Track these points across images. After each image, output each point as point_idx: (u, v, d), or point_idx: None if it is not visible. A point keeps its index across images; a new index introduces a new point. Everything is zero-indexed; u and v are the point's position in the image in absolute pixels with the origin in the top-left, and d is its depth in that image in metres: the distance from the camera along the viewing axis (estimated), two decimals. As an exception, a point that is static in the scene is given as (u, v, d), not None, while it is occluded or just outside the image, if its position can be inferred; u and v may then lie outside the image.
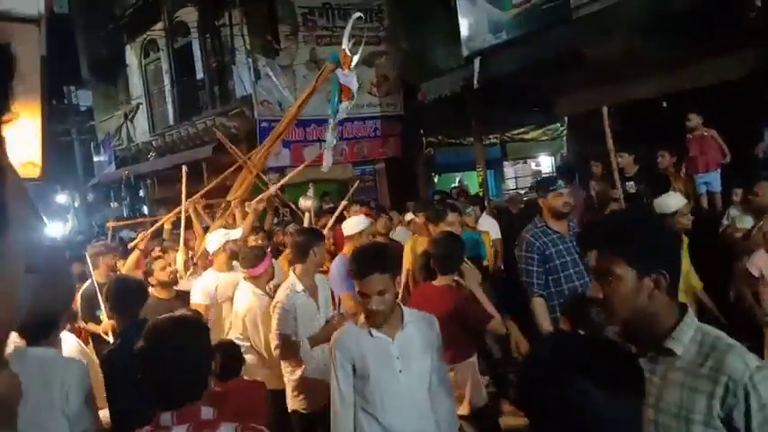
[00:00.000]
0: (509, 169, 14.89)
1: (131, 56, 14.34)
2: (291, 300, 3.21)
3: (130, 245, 5.07)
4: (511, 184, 14.55)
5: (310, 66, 11.22)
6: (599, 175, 6.40)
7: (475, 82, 7.21)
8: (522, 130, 12.80)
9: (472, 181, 11.19)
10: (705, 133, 5.61)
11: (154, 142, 13.70)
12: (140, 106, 14.31)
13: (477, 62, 7.27)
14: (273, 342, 3.18)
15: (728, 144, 5.52)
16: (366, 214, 5.07)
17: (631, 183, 5.96)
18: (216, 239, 3.98)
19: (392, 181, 12.28)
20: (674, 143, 5.94)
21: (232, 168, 5.88)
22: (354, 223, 4.25)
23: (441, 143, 12.15)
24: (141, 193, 15.63)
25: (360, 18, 3.94)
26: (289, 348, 3.15)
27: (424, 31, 11.43)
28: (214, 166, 12.20)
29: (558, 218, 3.30)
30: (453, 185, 12.66)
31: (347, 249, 4.16)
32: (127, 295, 2.75)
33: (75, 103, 15.96)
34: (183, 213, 4.97)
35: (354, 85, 4.32)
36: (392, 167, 12.32)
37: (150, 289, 3.50)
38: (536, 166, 15.58)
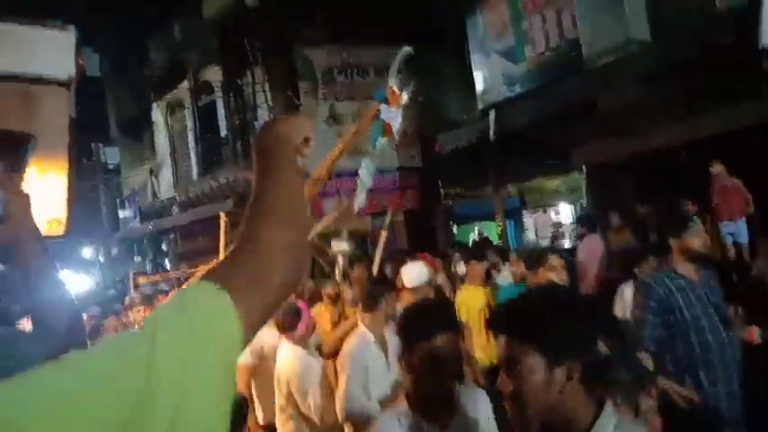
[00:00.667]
0: (528, 219, 14.80)
1: (158, 114, 14.91)
2: (363, 351, 2.92)
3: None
4: (531, 233, 14.41)
5: (329, 121, 11.52)
6: (617, 227, 6.31)
7: (491, 134, 7.30)
8: (540, 179, 12.81)
9: (491, 231, 11.12)
10: (728, 182, 5.53)
11: (177, 197, 14.01)
12: (165, 162, 14.74)
13: (492, 114, 7.38)
14: (339, 402, 2.84)
15: (753, 194, 5.43)
16: (424, 259, 4.60)
17: (654, 234, 5.86)
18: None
19: (411, 232, 12.29)
20: (696, 192, 5.86)
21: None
22: (416, 273, 3.61)
23: (459, 194, 12.21)
24: (164, 248, 15.87)
25: (409, 53, 3.61)
26: (358, 409, 2.79)
27: (440, 84, 11.71)
28: (234, 220, 12.40)
29: (691, 261, 2.84)
30: (472, 236, 12.61)
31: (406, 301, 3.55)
32: None
33: (104, 160, 16.51)
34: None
35: (397, 123, 4.16)
36: (411, 219, 12.36)
37: None
38: (556, 215, 15.47)
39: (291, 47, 11.31)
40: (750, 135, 5.23)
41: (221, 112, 12.78)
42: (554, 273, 3.06)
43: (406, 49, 3.90)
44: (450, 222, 12.49)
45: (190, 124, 13.67)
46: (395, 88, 4.11)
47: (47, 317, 1.16)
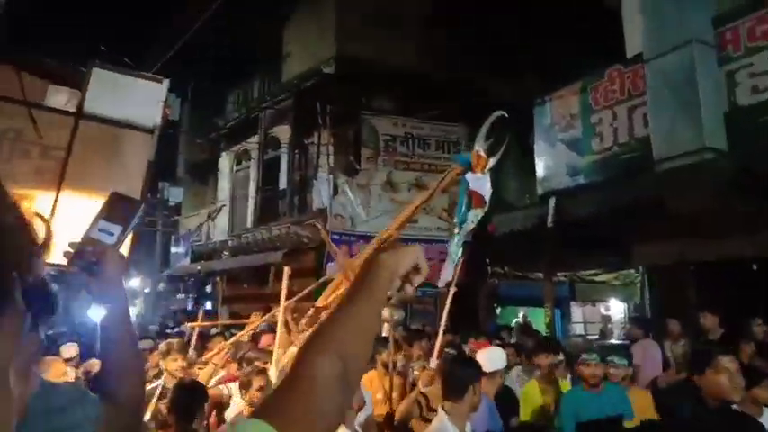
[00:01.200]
0: (576, 310, 14.23)
1: (225, 162, 15.63)
2: None
3: (205, 357, 4.61)
4: (578, 326, 13.83)
5: (386, 187, 11.71)
6: (676, 335, 5.92)
7: (549, 220, 7.17)
8: (593, 271, 12.39)
9: (537, 318, 10.71)
10: (804, 304, 5.14)
11: (230, 242, 14.37)
12: (224, 208, 15.27)
13: (552, 202, 7.29)
14: None
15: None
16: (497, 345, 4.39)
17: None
18: None
19: (452, 308, 12.00)
20: (764, 310, 5.47)
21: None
22: (496, 357, 3.48)
23: (506, 274, 11.92)
24: (208, 289, 16.14)
25: (503, 116, 3.50)
26: None
27: (499, 166, 11.72)
28: (281, 273, 12.54)
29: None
30: (516, 320, 12.18)
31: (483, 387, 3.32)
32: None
33: (166, 198, 17.28)
34: (281, 317, 4.37)
35: (487, 190, 3.76)
36: (454, 293, 12.11)
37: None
38: (606, 310, 14.82)
39: (359, 114, 11.76)
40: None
41: (284, 167, 13.24)
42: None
43: (499, 112, 3.68)
44: (495, 303, 12.14)
45: (253, 174, 14.22)
46: (482, 152, 3.70)
47: (114, 360, 1.23)
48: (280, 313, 4.25)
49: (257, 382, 3.19)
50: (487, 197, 3.68)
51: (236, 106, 15.30)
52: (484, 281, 11.75)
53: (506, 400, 3.87)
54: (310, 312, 4.84)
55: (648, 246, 7.04)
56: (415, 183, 11.77)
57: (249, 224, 14.03)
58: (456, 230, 4.02)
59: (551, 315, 9.17)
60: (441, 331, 4.22)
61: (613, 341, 11.08)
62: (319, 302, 4.72)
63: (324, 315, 4.54)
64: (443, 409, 2.79)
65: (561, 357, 4.72)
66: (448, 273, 4.11)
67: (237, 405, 3.58)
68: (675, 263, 6.75)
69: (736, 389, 2.47)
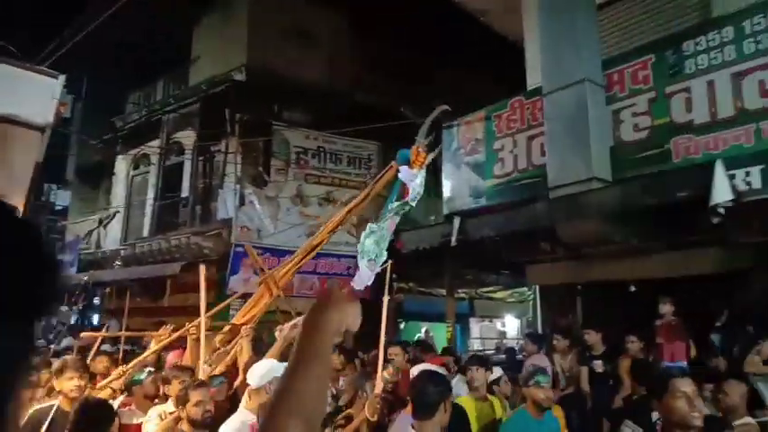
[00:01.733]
0: (475, 326, 14.85)
1: (121, 165, 14.64)
2: None
3: (99, 384, 4.07)
4: (476, 341, 14.43)
5: (295, 200, 11.58)
6: (563, 350, 6.36)
7: (453, 240, 7.43)
8: (491, 288, 13.03)
9: (439, 332, 11.03)
10: (674, 323, 5.73)
11: (123, 251, 13.43)
12: (117, 214, 14.27)
13: (456, 222, 7.56)
14: None
15: (694, 338, 5.65)
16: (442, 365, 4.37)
17: (599, 361, 5.93)
18: (262, 372, 3.24)
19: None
20: (641, 327, 6.03)
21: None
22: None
23: (411, 290, 12.19)
24: (96, 301, 14.93)
25: (448, 110, 3.36)
26: None
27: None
28: (179, 285, 11.91)
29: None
30: (418, 335, 12.47)
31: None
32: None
33: (53, 201, 15.86)
34: (202, 329, 3.97)
35: (417, 185, 3.72)
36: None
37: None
38: (502, 326, 15.56)
39: (270, 124, 11.57)
40: (698, 281, 5.56)
41: (187, 174, 12.66)
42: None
43: (443, 107, 3.62)
44: (399, 319, 12.35)
45: (152, 180, 13.44)
46: (421, 149, 3.59)
47: None
48: (202, 325, 3.97)
49: (195, 396, 3.02)
50: (414, 194, 3.46)
51: (137, 107, 14.45)
52: (390, 296, 11.92)
53: (458, 418, 3.67)
54: (226, 329, 4.63)
55: (541, 266, 7.54)
56: (325, 197, 11.75)
57: (146, 233, 13.21)
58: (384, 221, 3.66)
59: (453, 330, 9.47)
60: (381, 347, 4.07)
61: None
62: (237, 319, 4.54)
63: (244, 334, 4.27)
64: (413, 427, 2.65)
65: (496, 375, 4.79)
66: (362, 277, 3.80)
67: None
68: (564, 283, 7.28)
69: (694, 413, 2.34)
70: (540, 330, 8.55)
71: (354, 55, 12.89)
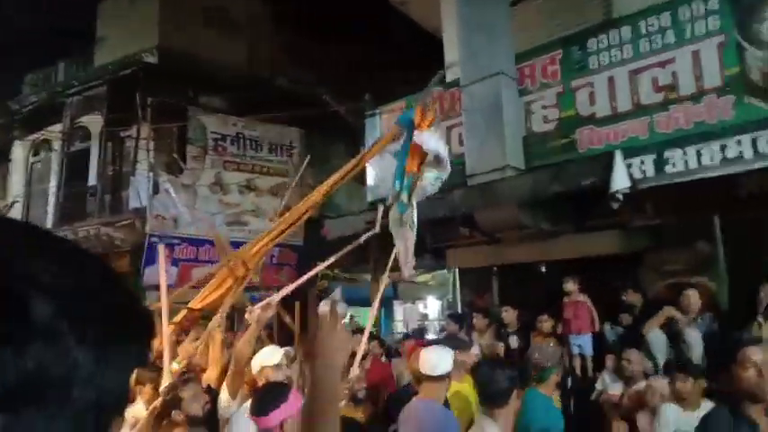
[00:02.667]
0: (399, 308, 15.22)
1: (18, 151, 13.49)
2: None
3: None
4: (400, 324, 14.80)
5: (214, 188, 11.25)
6: (481, 328, 6.73)
7: (377, 226, 7.56)
8: (414, 273, 13.38)
9: (364, 316, 11.22)
10: (579, 299, 6.23)
11: (22, 244, 12.43)
12: (16, 204, 13.17)
13: (380, 208, 7.69)
14: None
15: (599, 312, 6.17)
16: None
17: (515, 337, 6.33)
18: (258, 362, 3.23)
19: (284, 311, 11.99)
20: (551, 305, 6.50)
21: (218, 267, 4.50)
22: (444, 358, 3.03)
23: (336, 277, 12.28)
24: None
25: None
26: None
27: (332, 171, 12.04)
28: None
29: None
30: (344, 321, 12.61)
31: (429, 393, 2.94)
32: None
33: (-63, 190, 14.35)
34: (164, 314, 3.66)
35: (443, 147, 3.40)
36: (283, 297, 12.10)
37: None
38: (424, 308, 16.05)
39: (185, 109, 11.11)
40: (601, 261, 6.07)
41: (94, 161, 11.90)
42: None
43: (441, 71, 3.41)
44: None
45: (55, 168, 12.51)
46: (426, 108, 3.33)
47: None
48: (164, 311, 3.63)
49: (188, 393, 2.81)
50: (444, 154, 3.39)
51: (35, 89, 13.32)
52: (314, 283, 11.93)
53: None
54: (181, 314, 4.27)
55: (460, 250, 7.88)
56: (245, 184, 11.49)
57: (49, 223, 12.30)
58: (403, 198, 3.74)
59: (378, 314, 9.68)
60: (367, 331, 4.20)
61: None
62: (194, 303, 4.23)
63: (214, 320, 3.88)
64: (488, 417, 2.48)
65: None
66: (408, 264, 3.90)
67: None
68: (481, 266, 7.66)
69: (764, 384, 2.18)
70: (459, 310, 8.95)
71: (275, 41, 12.63)
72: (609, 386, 4.85)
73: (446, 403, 3.15)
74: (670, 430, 3.49)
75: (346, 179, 4.01)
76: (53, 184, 12.44)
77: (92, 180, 11.87)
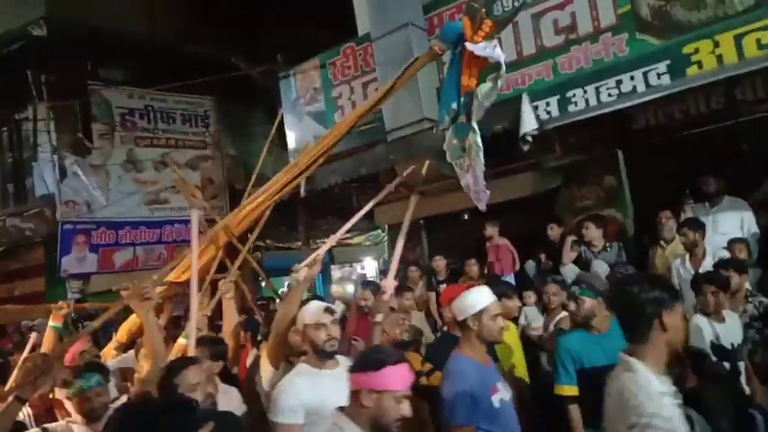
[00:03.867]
0: (336, 272, 15.29)
1: None
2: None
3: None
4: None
5: (127, 167, 10.67)
6: (415, 280, 6.91)
7: (302, 191, 7.48)
8: (347, 236, 13.42)
9: (300, 285, 11.21)
10: (500, 242, 6.49)
11: None
12: None
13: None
14: None
15: (520, 253, 6.46)
16: None
17: (444, 285, 6.55)
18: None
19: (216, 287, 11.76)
20: (477, 250, 6.75)
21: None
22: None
23: (269, 247, 12.13)
24: None
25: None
26: None
27: (252, 139, 11.73)
28: (1, 274, 10.50)
29: None
30: (282, 289, 12.53)
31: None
32: None
33: None
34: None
35: (500, 55, 2.91)
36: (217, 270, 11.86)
37: None
38: (361, 269, 16.23)
39: (85, 84, 10.34)
40: (519, 203, 6.32)
41: (-11, 149, 10.95)
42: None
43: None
44: (259, 277, 12.27)
45: (-56, 159, 11.41)
46: (477, 16, 2.72)
47: None
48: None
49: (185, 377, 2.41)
50: (502, 61, 2.91)
51: None
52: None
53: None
54: (161, 289, 3.81)
55: (387, 206, 7.93)
56: (161, 160, 10.96)
57: (-55, 221, 11.29)
58: (461, 120, 3.18)
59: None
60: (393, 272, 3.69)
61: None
62: (174, 276, 3.87)
63: (221, 287, 3.84)
64: (631, 357, 1.91)
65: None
66: (480, 181, 3.51)
67: None
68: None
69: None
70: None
71: (178, 4, 11.85)
72: (532, 321, 5.13)
73: (493, 351, 3.08)
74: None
75: (368, 115, 3.78)
76: (-57, 177, 11.36)
77: (-11, 169, 10.95)
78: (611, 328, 3.15)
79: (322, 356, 2.65)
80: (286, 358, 2.96)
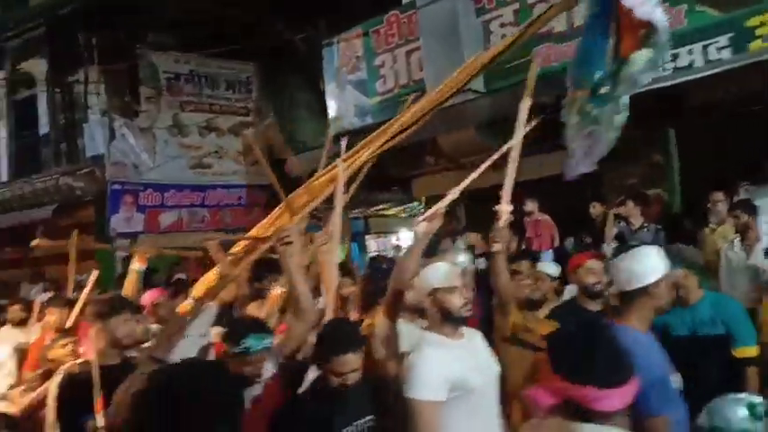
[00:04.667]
0: (371, 242, 15.43)
1: (-41, 103, 12.75)
2: None
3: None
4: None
5: (172, 131, 10.90)
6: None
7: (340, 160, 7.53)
8: (382, 206, 13.49)
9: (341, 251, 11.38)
10: (540, 218, 6.40)
11: (-23, 201, 12.03)
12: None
13: (343, 142, 7.61)
14: None
15: (561, 230, 6.37)
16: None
17: (482, 259, 6.53)
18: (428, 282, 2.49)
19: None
20: (516, 225, 6.67)
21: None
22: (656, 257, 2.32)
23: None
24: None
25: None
26: None
27: (293, 107, 11.77)
28: (52, 231, 10.99)
29: None
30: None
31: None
32: None
33: None
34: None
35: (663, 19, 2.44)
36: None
37: None
38: (396, 240, 16.31)
39: (134, 48, 10.54)
40: (554, 181, 6.17)
41: (43, 109, 11.36)
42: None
43: None
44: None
45: (3, 119, 11.93)
46: None
47: None
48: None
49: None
50: (662, 25, 2.42)
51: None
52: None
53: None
54: (243, 244, 3.30)
55: (426, 179, 7.93)
56: (205, 126, 11.15)
57: (4, 177, 11.88)
58: (604, 89, 2.76)
59: (348, 248, 9.80)
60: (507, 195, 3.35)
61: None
62: (255, 232, 3.45)
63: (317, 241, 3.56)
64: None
65: None
66: (590, 157, 3.01)
67: None
68: (447, 193, 7.72)
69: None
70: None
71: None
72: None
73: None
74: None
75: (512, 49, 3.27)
76: (3, 135, 11.90)
77: (43, 129, 11.38)
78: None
79: (454, 323, 2.41)
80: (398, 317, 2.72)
